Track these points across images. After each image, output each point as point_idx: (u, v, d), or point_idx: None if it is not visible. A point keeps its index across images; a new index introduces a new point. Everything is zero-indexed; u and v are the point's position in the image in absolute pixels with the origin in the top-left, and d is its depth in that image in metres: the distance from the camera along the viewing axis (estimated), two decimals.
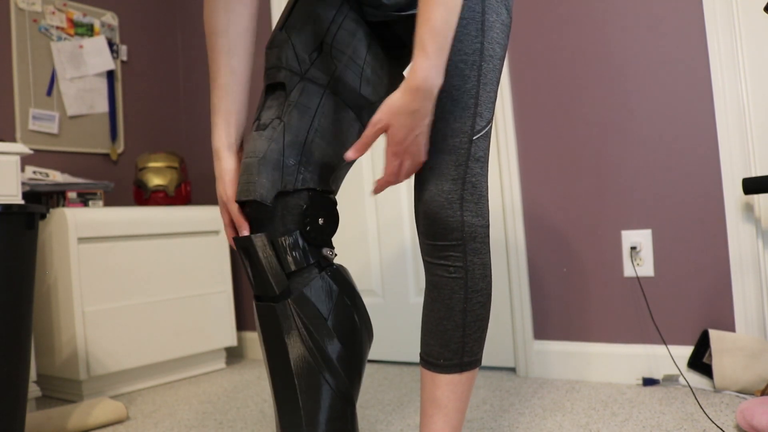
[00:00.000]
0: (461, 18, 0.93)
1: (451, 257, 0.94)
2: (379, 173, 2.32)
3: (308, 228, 0.91)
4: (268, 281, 0.89)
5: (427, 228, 0.95)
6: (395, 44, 1.05)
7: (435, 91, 0.83)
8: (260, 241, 0.89)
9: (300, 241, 0.91)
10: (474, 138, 0.93)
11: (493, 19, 0.94)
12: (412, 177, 1.00)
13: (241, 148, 1.02)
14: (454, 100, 0.93)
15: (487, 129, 0.95)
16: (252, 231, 0.93)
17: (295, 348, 0.90)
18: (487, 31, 0.93)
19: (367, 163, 2.34)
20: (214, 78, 1.01)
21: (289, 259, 0.90)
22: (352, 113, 0.97)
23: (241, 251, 0.93)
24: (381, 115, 0.85)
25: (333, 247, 0.97)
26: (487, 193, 0.97)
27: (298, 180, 0.91)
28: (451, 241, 0.94)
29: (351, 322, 0.95)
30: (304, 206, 0.91)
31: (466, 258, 0.94)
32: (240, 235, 0.94)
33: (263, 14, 2.62)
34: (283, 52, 0.97)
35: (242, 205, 0.94)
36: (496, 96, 0.97)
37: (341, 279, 0.96)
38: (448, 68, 0.93)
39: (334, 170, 0.97)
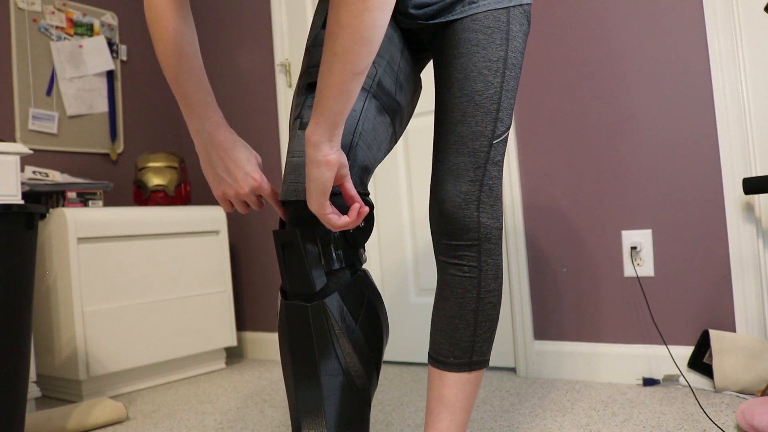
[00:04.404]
0: (487, 27, 0.94)
1: (466, 257, 0.96)
2: (382, 174, 2.31)
3: (350, 229, 0.91)
4: (308, 278, 0.88)
5: (444, 227, 0.97)
6: (417, 48, 1.07)
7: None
8: (307, 236, 0.88)
9: (341, 241, 0.90)
10: (494, 142, 0.95)
11: (517, 29, 0.97)
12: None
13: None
14: (476, 105, 0.95)
15: (506, 134, 0.98)
16: (292, 228, 0.92)
17: (325, 349, 0.89)
18: (511, 41, 0.96)
19: None
20: (182, 90, 0.95)
21: (333, 257, 0.89)
22: (388, 118, 0.98)
23: (281, 245, 0.91)
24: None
25: (365, 250, 0.96)
26: (502, 197, 0.99)
27: None
28: (466, 241, 0.95)
29: (377, 325, 0.95)
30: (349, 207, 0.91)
31: (480, 258, 0.96)
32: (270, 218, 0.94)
33: (263, 14, 2.62)
34: None
35: (286, 203, 0.93)
36: (514, 103, 0.99)
37: (369, 282, 0.96)
38: (472, 74, 0.94)
39: (369, 173, 0.97)
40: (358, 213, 0.84)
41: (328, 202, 0.82)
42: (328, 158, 0.80)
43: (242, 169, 0.96)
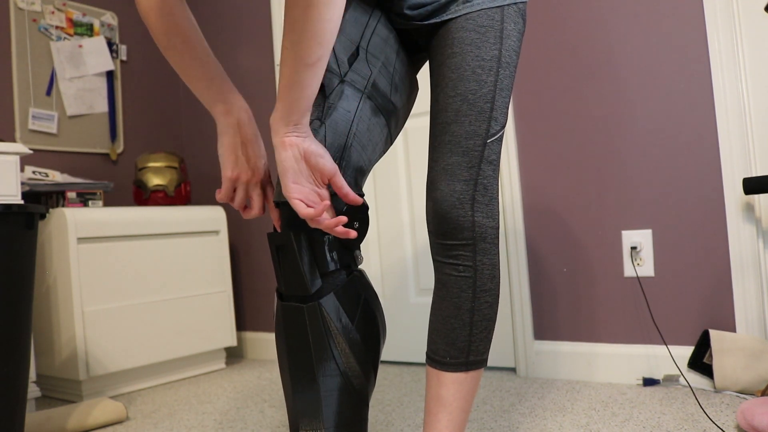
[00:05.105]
0: (480, 26, 0.94)
1: (461, 256, 0.96)
2: (386, 176, 2.31)
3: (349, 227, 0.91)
4: (304, 280, 0.88)
5: (438, 227, 0.96)
6: (412, 49, 1.07)
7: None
8: (301, 238, 0.88)
9: (336, 243, 0.90)
10: (488, 141, 0.95)
11: (511, 28, 0.97)
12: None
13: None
14: (470, 104, 0.94)
15: (501, 133, 0.97)
16: (286, 230, 0.92)
17: (321, 350, 0.89)
18: (505, 40, 0.96)
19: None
20: (192, 72, 0.94)
21: (327, 259, 0.90)
22: (383, 119, 0.98)
23: (275, 248, 0.91)
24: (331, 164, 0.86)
25: (360, 251, 0.97)
26: (498, 196, 0.98)
27: None
28: (461, 241, 0.95)
29: (374, 324, 0.96)
30: (344, 209, 0.91)
31: (475, 258, 0.96)
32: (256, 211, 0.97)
33: (263, 14, 2.62)
34: None
35: (279, 205, 0.93)
36: (509, 101, 0.98)
37: (366, 282, 0.96)
38: (466, 73, 0.94)
39: (364, 175, 0.97)
40: (334, 220, 0.83)
41: (294, 186, 0.84)
42: (283, 140, 0.82)
43: (263, 158, 0.98)
